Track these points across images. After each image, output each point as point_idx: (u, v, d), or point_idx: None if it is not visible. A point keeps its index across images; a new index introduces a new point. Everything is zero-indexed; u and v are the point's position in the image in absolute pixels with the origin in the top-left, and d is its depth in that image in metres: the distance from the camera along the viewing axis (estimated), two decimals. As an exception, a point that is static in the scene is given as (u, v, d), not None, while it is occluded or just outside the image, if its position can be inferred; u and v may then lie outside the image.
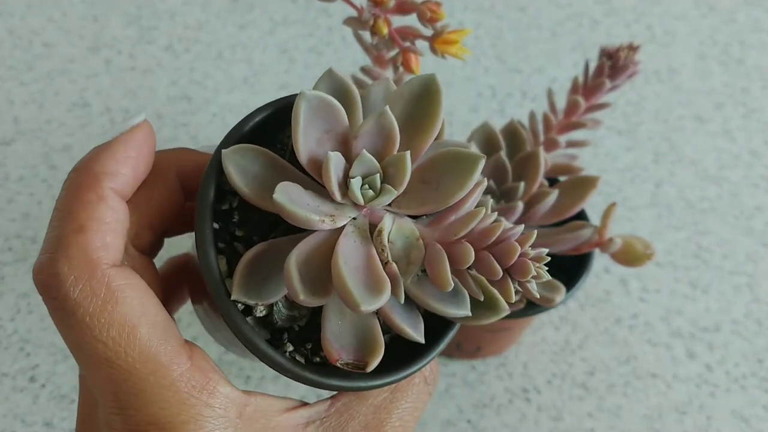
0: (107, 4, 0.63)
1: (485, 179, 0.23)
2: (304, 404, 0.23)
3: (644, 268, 0.48)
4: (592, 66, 0.36)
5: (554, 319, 0.47)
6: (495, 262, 0.20)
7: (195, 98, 0.57)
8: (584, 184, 0.37)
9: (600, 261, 0.49)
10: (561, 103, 0.38)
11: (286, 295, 0.23)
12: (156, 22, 0.62)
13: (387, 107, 0.22)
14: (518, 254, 0.19)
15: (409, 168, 0.22)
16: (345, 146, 0.22)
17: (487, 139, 0.38)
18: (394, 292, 0.21)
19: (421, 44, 0.29)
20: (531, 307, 0.37)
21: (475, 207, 0.22)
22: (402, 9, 0.28)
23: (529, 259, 0.19)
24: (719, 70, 0.63)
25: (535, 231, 0.20)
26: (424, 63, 0.30)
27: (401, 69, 0.30)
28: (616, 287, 0.49)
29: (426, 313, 0.23)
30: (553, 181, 0.39)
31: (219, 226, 0.23)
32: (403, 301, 0.21)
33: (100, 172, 0.21)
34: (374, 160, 0.22)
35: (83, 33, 0.61)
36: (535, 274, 0.19)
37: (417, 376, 0.24)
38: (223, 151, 0.22)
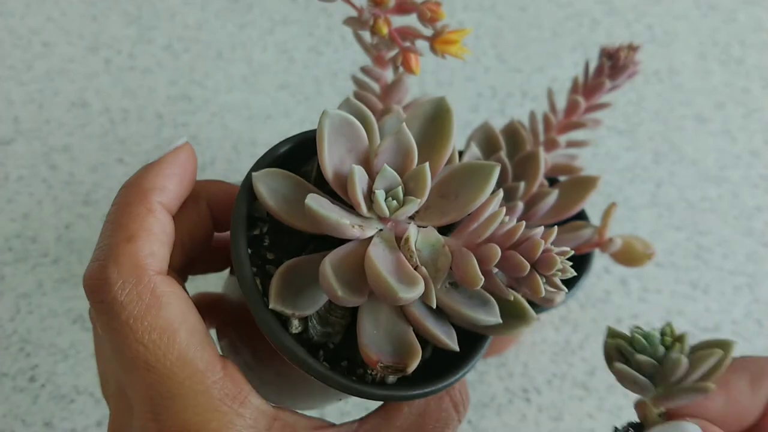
0: (107, 4, 0.63)
1: (501, 190, 0.23)
2: (332, 425, 0.23)
3: (644, 268, 0.48)
4: (593, 66, 0.36)
5: (554, 320, 0.47)
6: (522, 258, 0.20)
7: (194, 98, 0.57)
8: (584, 184, 0.36)
9: (600, 261, 0.49)
10: (561, 102, 0.38)
11: (319, 312, 0.23)
12: (155, 22, 0.62)
13: (404, 125, 0.23)
14: (542, 249, 0.20)
15: (428, 177, 0.22)
16: (366, 163, 0.23)
17: (487, 139, 0.38)
18: (426, 295, 0.21)
19: (421, 44, 0.29)
20: (531, 307, 0.37)
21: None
22: (402, 9, 0.28)
23: (554, 254, 0.20)
24: (720, 70, 0.63)
25: (555, 228, 0.21)
26: (424, 63, 0.30)
27: (401, 69, 0.30)
28: (617, 287, 0.49)
29: (457, 331, 0.24)
30: (553, 181, 0.38)
31: (251, 251, 0.24)
32: (435, 305, 0.21)
33: (148, 188, 0.23)
34: (395, 173, 0.23)
35: (83, 33, 0.61)
36: (561, 267, 0.20)
37: (447, 400, 0.24)
38: (253, 173, 0.23)
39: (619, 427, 0.20)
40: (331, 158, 0.23)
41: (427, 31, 0.29)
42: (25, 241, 0.48)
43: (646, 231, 0.52)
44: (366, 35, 0.31)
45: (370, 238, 0.22)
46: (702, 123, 0.59)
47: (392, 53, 0.31)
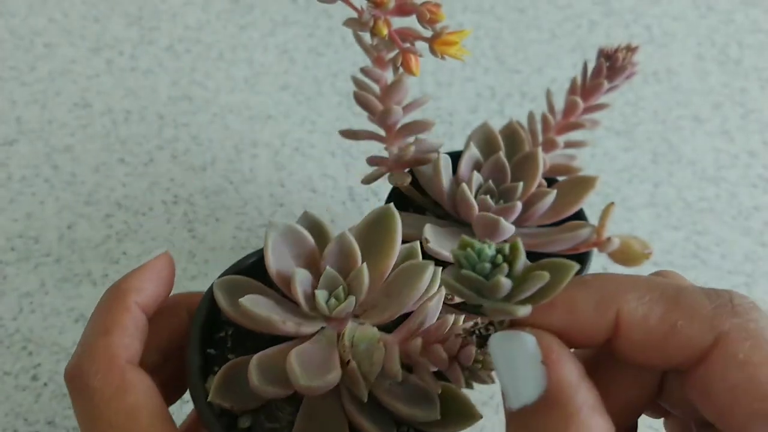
0: (108, 5, 0.63)
1: (443, 289, 0.25)
2: None
3: (642, 267, 0.48)
4: (591, 67, 0.36)
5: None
6: (442, 351, 0.21)
7: (196, 98, 0.57)
8: (582, 184, 0.37)
9: (598, 260, 0.50)
10: (560, 103, 0.38)
11: (270, 408, 0.25)
12: (157, 23, 0.62)
13: (346, 231, 0.26)
14: (461, 343, 0.21)
15: (366, 276, 0.25)
16: (314, 267, 0.26)
17: (486, 140, 0.38)
18: (357, 389, 0.23)
19: (421, 45, 0.30)
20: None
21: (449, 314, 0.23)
22: (402, 10, 0.28)
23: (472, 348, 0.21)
24: (717, 71, 0.63)
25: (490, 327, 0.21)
26: (424, 64, 0.30)
27: (401, 70, 0.30)
28: (615, 287, 0.49)
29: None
30: (551, 181, 0.39)
31: (216, 352, 0.27)
32: (365, 398, 0.23)
33: (126, 288, 0.25)
34: (337, 274, 0.25)
35: (84, 34, 0.61)
36: (482, 359, 0.21)
37: None
38: (214, 282, 0.26)
39: (480, 323, 0.20)
40: (276, 262, 0.25)
41: (427, 33, 0.29)
42: (27, 241, 0.48)
43: (644, 231, 0.52)
44: (366, 36, 0.31)
45: (313, 335, 0.25)
46: (700, 123, 0.59)
47: (392, 54, 0.31)
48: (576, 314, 0.18)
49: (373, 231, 0.27)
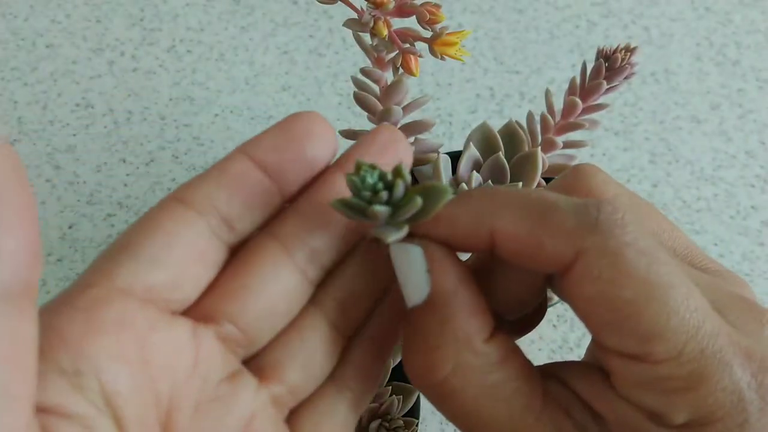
0: (110, 6, 0.63)
1: None
2: None
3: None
4: (590, 67, 0.37)
5: (552, 317, 0.48)
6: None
7: (197, 99, 0.58)
8: (581, 184, 0.37)
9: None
10: (559, 104, 0.38)
11: None
12: (158, 24, 0.63)
13: None
14: None
15: None
16: None
17: (485, 140, 0.39)
18: None
19: (421, 46, 0.30)
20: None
21: None
22: (402, 11, 0.29)
23: None
24: (715, 71, 0.63)
25: None
26: (424, 64, 0.30)
27: (401, 70, 0.30)
28: (614, 286, 0.49)
29: None
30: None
31: None
32: None
33: None
34: None
35: (86, 34, 0.61)
36: None
37: None
38: None
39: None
40: None
41: (427, 33, 0.29)
42: (29, 241, 0.48)
43: (642, 230, 0.52)
44: (366, 37, 0.31)
45: None
46: (698, 124, 0.60)
47: (392, 55, 0.32)
48: (456, 229, 0.20)
49: None
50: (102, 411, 0.17)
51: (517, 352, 0.20)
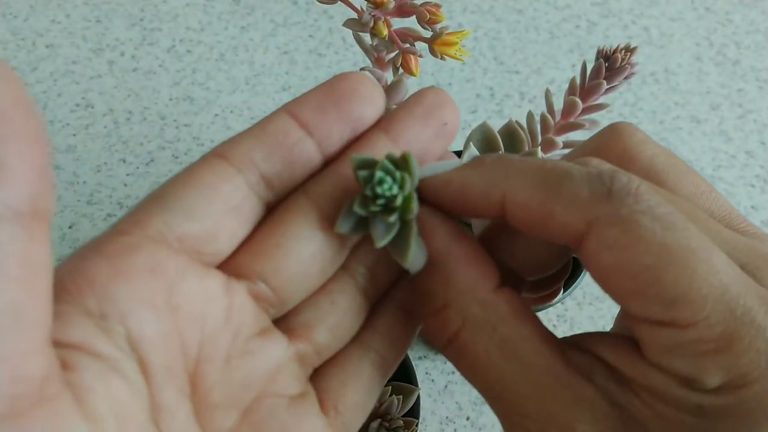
0: (110, 6, 0.63)
1: None
2: None
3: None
4: (590, 67, 0.37)
5: (552, 318, 0.48)
6: None
7: (197, 99, 0.58)
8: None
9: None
10: (559, 104, 0.38)
11: None
12: (158, 24, 0.63)
13: None
14: None
15: None
16: None
17: (485, 140, 0.39)
18: None
19: (421, 46, 0.30)
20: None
21: None
22: (402, 11, 0.29)
23: None
24: (715, 71, 0.63)
25: None
26: (424, 64, 0.30)
27: (401, 70, 0.30)
28: (614, 286, 0.49)
29: None
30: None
31: None
32: None
33: None
34: None
35: (86, 34, 0.61)
36: None
37: None
38: None
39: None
40: None
41: (427, 33, 0.29)
42: (29, 241, 0.48)
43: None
44: (366, 37, 0.31)
45: None
46: (698, 124, 0.60)
47: (392, 55, 0.32)
48: (467, 194, 0.19)
49: None
50: (128, 354, 0.16)
51: (531, 312, 0.20)
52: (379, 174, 0.19)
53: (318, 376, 0.21)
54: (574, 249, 0.18)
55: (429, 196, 0.20)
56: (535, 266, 0.21)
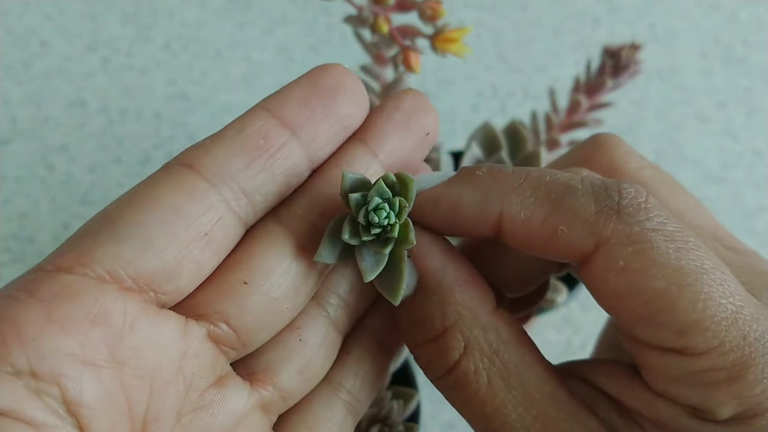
0: (105, 3, 0.62)
1: None
2: None
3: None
4: (594, 65, 0.36)
5: (556, 321, 0.47)
6: None
7: (193, 97, 0.57)
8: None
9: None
10: (563, 102, 0.38)
11: None
12: (154, 21, 0.62)
13: None
14: None
15: None
16: None
17: (488, 139, 0.38)
18: None
19: (422, 42, 0.29)
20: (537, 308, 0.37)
21: None
22: (402, 7, 0.28)
23: None
24: (721, 69, 0.62)
25: None
26: (425, 61, 0.30)
27: (401, 68, 0.30)
28: (618, 288, 0.49)
29: None
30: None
31: None
32: None
33: None
34: None
35: (81, 31, 0.60)
36: None
37: None
38: None
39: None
40: None
41: (428, 30, 0.28)
42: (22, 242, 0.47)
43: (647, 231, 0.52)
44: (366, 34, 0.31)
45: None
46: (704, 122, 0.59)
47: (393, 52, 0.31)
48: (460, 211, 0.17)
49: None
50: (64, 420, 0.14)
51: (528, 336, 0.18)
52: (375, 200, 0.17)
53: (283, 423, 0.19)
54: (576, 268, 0.17)
55: (415, 213, 0.18)
56: (518, 282, 0.20)
